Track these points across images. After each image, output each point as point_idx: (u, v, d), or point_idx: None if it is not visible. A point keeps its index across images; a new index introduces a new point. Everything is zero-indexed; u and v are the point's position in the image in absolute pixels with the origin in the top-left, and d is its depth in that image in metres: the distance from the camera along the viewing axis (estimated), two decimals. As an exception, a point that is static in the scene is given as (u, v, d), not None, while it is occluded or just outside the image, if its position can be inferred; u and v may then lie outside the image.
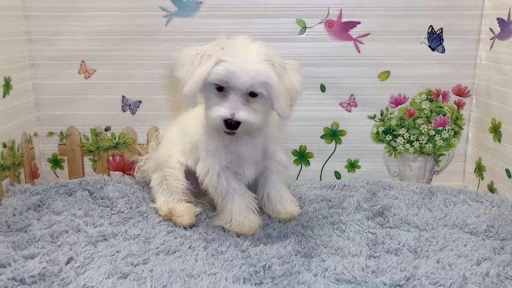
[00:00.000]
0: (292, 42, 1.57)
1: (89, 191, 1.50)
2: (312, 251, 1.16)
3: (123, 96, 1.63)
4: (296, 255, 1.15)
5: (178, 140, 1.45)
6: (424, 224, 1.30)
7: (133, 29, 1.57)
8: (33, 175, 1.63)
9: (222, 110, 1.14)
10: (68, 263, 1.08)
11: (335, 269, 1.07)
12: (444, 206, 1.41)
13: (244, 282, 1.03)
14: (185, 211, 1.34)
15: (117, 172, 1.69)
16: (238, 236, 1.25)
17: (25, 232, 1.23)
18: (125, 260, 1.11)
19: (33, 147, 1.62)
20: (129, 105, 1.63)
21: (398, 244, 1.18)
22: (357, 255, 1.14)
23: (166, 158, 1.43)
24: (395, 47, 1.57)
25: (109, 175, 1.67)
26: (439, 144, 1.65)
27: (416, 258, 1.13)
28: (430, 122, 1.64)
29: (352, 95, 1.62)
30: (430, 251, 1.16)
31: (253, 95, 1.16)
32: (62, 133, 1.66)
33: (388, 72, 1.59)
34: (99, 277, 1.03)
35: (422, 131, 1.64)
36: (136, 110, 1.64)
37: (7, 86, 1.46)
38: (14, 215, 1.31)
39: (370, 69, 1.59)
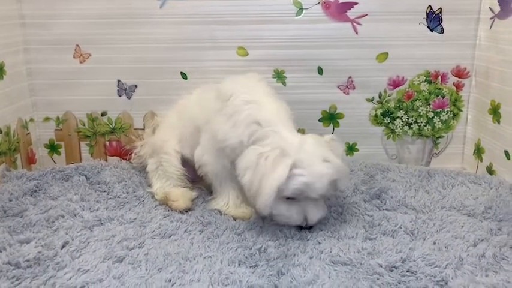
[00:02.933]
0: (288, 23, 1.55)
1: (85, 176, 1.49)
2: (307, 233, 1.16)
3: (118, 81, 1.61)
4: (292, 237, 1.14)
5: (176, 125, 1.44)
6: (422, 206, 1.29)
7: (128, 12, 1.55)
8: (30, 160, 1.62)
9: (295, 218, 1.14)
10: (63, 247, 1.08)
11: (331, 251, 1.06)
12: (442, 188, 1.40)
13: (239, 264, 1.03)
14: (181, 195, 1.33)
15: (114, 157, 1.68)
16: (234, 219, 1.25)
17: (21, 217, 1.23)
18: (121, 244, 1.11)
19: (29, 133, 1.61)
20: (125, 89, 1.62)
21: (395, 226, 1.18)
22: (353, 237, 1.14)
23: (162, 143, 1.42)
24: (393, 28, 1.54)
25: (106, 160, 1.67)
26: (437, 127, 1.64)
27: (412, 240, 1.12)
28: (429, 104, 1.62)
29: (349, 77, 1.60)
30: (427, 232, 1.15)
31: None
32: (58, 118, 1.65)
33: (386, 53, 1.57)
34: (94, 261, 1.03)
35: (421, 113, 1.63)
36: (132, 94, 1.63)
37: (1, 71, 1.45)
38: (10, 200, 1.30)
39: (368, 51, 1.57)
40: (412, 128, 1.64)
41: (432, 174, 1.49)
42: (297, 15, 1.55)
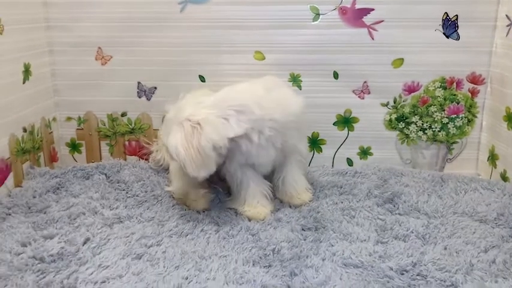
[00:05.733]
0: (305, 29, 1.58)
1: (105, 174, 1.54)
2: (320, 235, 1.18)
3: (138, 83, 1.66)
4: (305, 239, 1.17)
5: None
6: (434, 211, 1.30)
7: (149, 15, 1.59)
8: (53, 159, 1.68)
9: None
10: (84, 243, 1.13)
11: (343, 254, 1.09)
12: (455, 194, 1.41)
13: (253, 264, 1.06)
14: (200, 196, 1.37)
15: (133, 157, 1.73)
16: (249, 220, 1.28)
17: (44, 213, 1.28)
18: (139, 242, 1.15)
19: (52, 132, 1.67)
20: (145, 91, 1.67)
21: (407, 231, 1.20)
22: (365, 240, 1.16)
23: None
24: (409, 34, 1.56)
25: (125, 159, 1.71)
26: (452, 132, 1.65)
27: (424, 244, 1.14)
28: (444, 110, 1.63)
29: (365, 82, 1.62)
30: (438, 237, 1.17)
31: None
32: (79, 118, 1.70)
33: (402, 59, 1.59)
34: (114, 257, 1.07)
35: (436, 119, 1.64)
36: (151, 96, 1.67)
37: (27, 72, 1.50)
38: (34, 197, 1.36)
39: (383, 57, 1.59)
40: (426, 133, 1.66)
41: (445, 180, 1.50)
42: (313, 21, 1.58)
